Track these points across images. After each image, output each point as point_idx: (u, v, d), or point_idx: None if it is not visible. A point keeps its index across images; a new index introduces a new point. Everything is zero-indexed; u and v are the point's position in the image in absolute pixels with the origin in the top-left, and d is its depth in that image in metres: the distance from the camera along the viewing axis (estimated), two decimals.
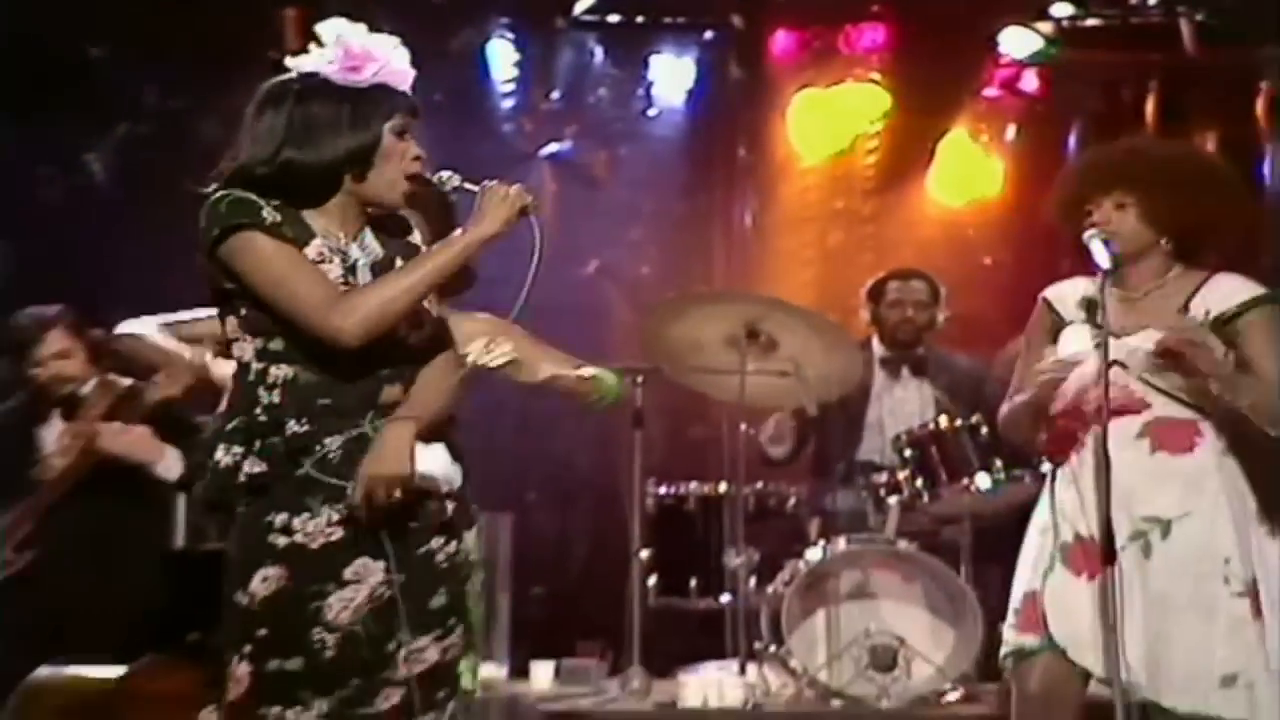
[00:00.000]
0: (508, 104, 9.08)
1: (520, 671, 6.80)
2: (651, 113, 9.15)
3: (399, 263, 3.83)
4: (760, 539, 6.72)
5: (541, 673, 6.81)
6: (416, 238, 3.95)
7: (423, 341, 3.83)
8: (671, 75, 9.16)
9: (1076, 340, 4.75)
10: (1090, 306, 4.79)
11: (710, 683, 6.43)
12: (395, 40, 3.86)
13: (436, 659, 3.76)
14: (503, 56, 9.04)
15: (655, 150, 9.15)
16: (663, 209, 9.15)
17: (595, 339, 7.37)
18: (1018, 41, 8.79)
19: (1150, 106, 8.89)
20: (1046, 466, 4.97)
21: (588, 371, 5.12)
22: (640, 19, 9.04)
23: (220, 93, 6.41)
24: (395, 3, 8.16)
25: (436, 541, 3.80)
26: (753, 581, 6.60)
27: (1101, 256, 4.62)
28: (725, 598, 6.71)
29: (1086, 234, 4.68)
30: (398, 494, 3.68)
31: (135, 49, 8.08)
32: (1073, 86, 8.99)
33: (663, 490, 7.02)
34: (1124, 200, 4.73)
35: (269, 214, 3.68)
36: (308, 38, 3.84)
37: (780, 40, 9.14)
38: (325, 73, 3.75)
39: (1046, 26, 8.75)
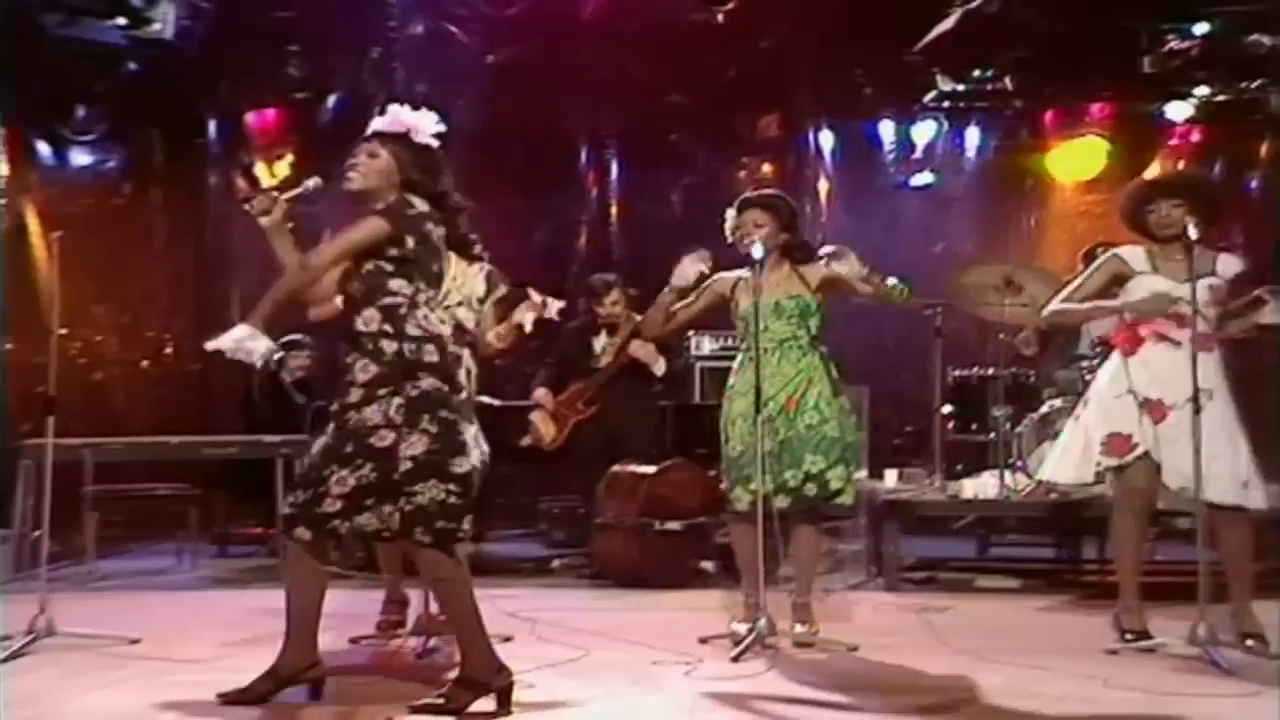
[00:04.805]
0: (891, 155, 9.17)
1: (875, 475, 6.84)
2: (971, 158, 9.16)
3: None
4: (1012, 400, 6.59)
5: (888, 476, 6.86)
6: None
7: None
8: (982, 137, 9.20)
9: (1152, 286, 4.69)
10: (1154, 261, 4.75)
11: (980, 483, 6.43)
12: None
13: (354, 484, 3.76)
14: (887, 129, 9.21)
15: (974, 180, 9.20)
16: (980, 213, 9.23)
17: (939, 285, 6.83)
18: (1177, 112, 8.74)
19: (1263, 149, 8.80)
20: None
21: (890, 282, 4.70)
22: (963, 105, 9.00)
23: None
24: (832, 102, 8.56)
25: (348, 415, 3.80)
26: (1007, 425, 6.50)
27: (1192, 231, 4.56)
28: (991, 434, 6.64)
29: (1189, 226, 4.56)
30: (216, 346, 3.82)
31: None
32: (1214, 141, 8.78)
33: (956, 372, 7.00)
34: (1179, 201, 4.72)
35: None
36: None
37: (1048, 115, 9.09)
38: None
39: (1193, 102, 8.63)
